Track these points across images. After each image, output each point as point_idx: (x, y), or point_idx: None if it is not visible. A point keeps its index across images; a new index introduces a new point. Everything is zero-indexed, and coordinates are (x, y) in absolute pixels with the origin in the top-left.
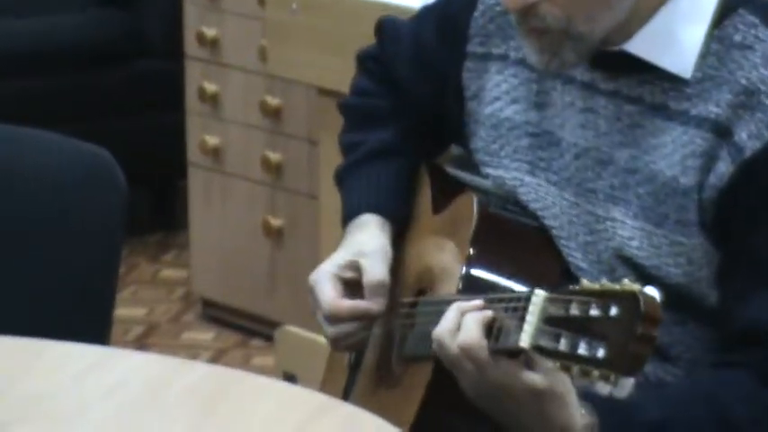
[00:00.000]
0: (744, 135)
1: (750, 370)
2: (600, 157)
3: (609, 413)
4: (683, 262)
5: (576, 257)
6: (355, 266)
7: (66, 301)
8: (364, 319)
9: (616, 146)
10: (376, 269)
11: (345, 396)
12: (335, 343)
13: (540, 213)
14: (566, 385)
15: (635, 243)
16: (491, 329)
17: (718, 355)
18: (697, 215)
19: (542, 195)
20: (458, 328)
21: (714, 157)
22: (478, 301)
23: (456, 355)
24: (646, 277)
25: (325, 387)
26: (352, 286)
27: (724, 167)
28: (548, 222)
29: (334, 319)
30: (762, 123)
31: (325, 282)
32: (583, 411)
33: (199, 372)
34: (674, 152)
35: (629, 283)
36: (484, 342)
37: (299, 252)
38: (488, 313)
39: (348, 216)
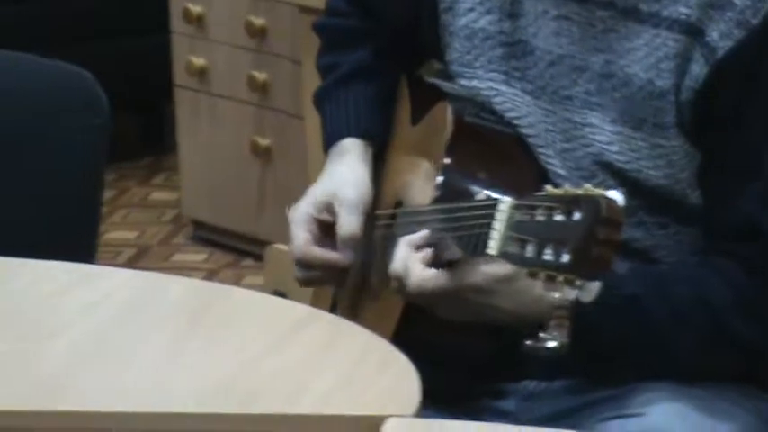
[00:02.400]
0: (715, 35)
1: (740, 260)
2: (574, 63)
3: None
4: (662, 164)
5: (554, 165)
6: (331, 208)
7: (50, 224)
8: (332, 269)
9: (590, 51)
10: (349, 220)
11: (332, 310)
12: (304, 284)
13: (516, 122)
14: None
15: (614, 148)
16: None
17: (705, 249)
18: (675, 117)
19: (518, 105)
20: (406, 268)
21: (688, 58)
22: (422, 233)
23: (414, 295)
24: (627, 182)
25: (314, 303)
26: (328, 227)
27: (698, 68)
28: (524, 131)
29: (303, 264)
30: (732, 22)
31: (299, 225)
32: None
33: (183, 286)
34: (648, 55)
35: (591, 188)
36: (429, 272)
37: (288, 171)
38: (426, 252)
39: (329, 142)
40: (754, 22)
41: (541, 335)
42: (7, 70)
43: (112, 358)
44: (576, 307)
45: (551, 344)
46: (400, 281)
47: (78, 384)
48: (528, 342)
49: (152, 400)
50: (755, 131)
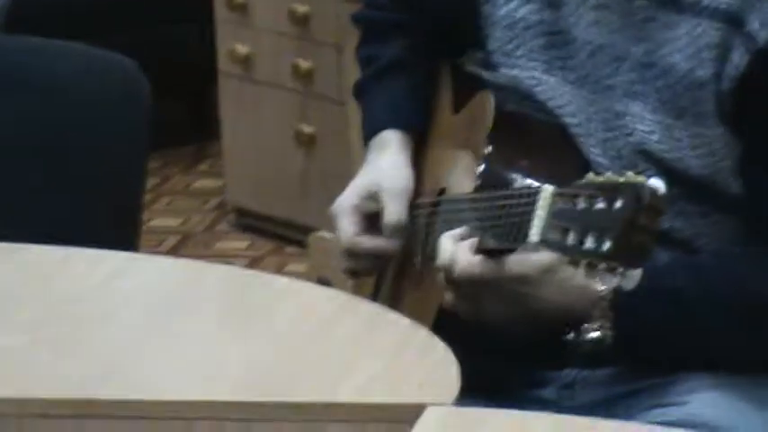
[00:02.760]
0: (756, 24)
1: None
2: (615, 53)
3: None
4: (704, 153)
5: (595, 154)
6: (375, 198)
7: (93, 211)
8: (380, 257)
9: (631, 41)
10: (395, 208)
11: (374, 297)
12: (351, 275)
13: (558, 111)
14: None
15: (655, 137)
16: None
17: (746, 239)
18: (715, 106)
19: (559, 94)
20: (453, 256)
21: (728, 47)
22: (463, 228)
23: (462, 281)
24: (668, 170)
25: (356, 291)
26: (373, 218)
27: (738, 58)
28: (566, 120)
29: (351, 254)
30: None
31: (344, 215)
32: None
33: (224, 274)
34: (688, 45)
35: (633, 176)
36: (475, 259)
37: (331, 158)
38: (472, 241)
39: (369, 133)
40: None
41: (585, 326)
42: (52, 58)
43: (156, 346)
44: (619, 298)
45: (595, 335)
46: (447, 271)
47: (122, 372)
48: (572, 334)
49: (194, 388)
50: None
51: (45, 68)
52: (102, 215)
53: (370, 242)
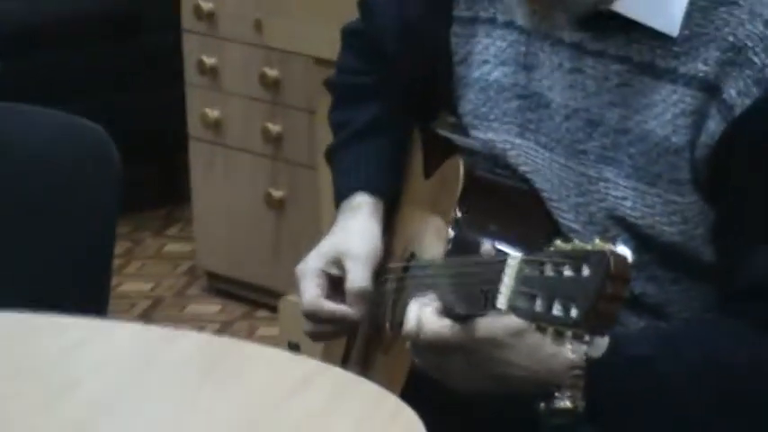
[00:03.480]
0: (733, 92)
1: (753, 319)
2: (590, 117)
3: None
4: (677, 220)
5: (567, 219)
6: (340, 264)
7: (62, 277)
8: (343, 323)
9: (606, 106)
10: (359, 275)
11: (344, 363)
12: (314, 338)
13: (530, 176)
14: None
15: (628, 203)
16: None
17: (718, 308)
18: (690, 173)
19: (532, 158)
20: (420, 321)
21: (704, 115)
22: (432, 295)
23: (430, 344)
24: (640, 236)
25: (325, 355)
26: (338, 282)
27: (714, 125)
28: (538, 185)
29: (313, 318)
30: (750, 80)
31: (309, 278)
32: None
33: (194, 340)
34: (664, 111)
35: (600, 243)
36: (443, 322)
37: (302, 222)
38: (438, 304)
39: (340, 196)
40: None
41: (557, 395)
42: (20, 123)
43: (126, 413)
44: (590, 366)
45: (566, 404)
46: (415, 336)
47: None
48: (542, 403)
49: None
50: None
51: (11, 133)
52: (71, 280)
53: (331, 307)
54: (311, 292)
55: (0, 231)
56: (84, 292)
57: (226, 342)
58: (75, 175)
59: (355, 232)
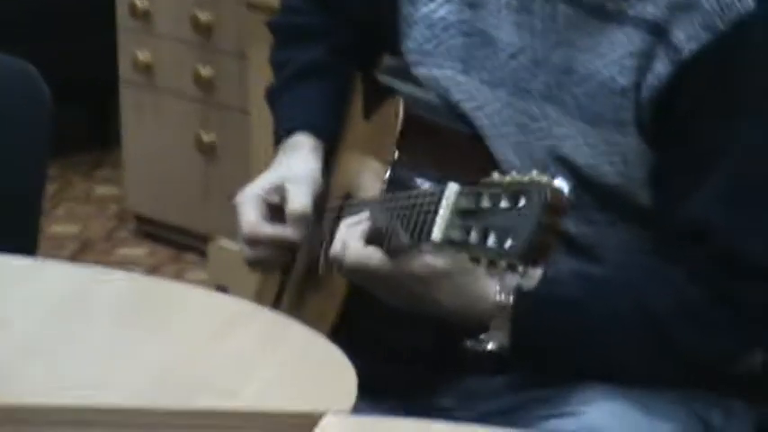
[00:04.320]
0: (681, 35)
1: (682, 266)
2: (535, 57)
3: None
4: (618, 162)
5: (508, 158)
6: (281, 191)
7: None
8: (283, 245)
9: (552, 46)
10: (299, 197)
11: (276, 305)
12: (253, 265)
13: (472, 114)
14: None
15: (570, 142)
16: (383, 234)
17: (651, 252)
18: (634, 115)
19: (475, 94)
20: (344, 244)
21: (651, 57)
22: (363, 214)
23: (350, 270)
24: (580, 177)
25: (258, 297)
26: (277, 210)
27: (661, 67)
28: (480, 122)
29: (252, 242)
30: (698, 24)
31: (248, 204)
32: (497, 287)
33: (123, 280)
34: (610, 52)
35: (537, 175)
36: (368, 250)
37: (232, 167)
38: (365, 225)
39: (281, 136)
40: (722, 27)
41: (482, 336)
42: None
43: (54, 351)
44: (517, 307)
45: (491, 345)
46: (339, 260)
47: (20, 377)
48: (468, 342)
49: (92, 393)
50: (711, 136)
51: None
52: (1, 220)
53: (272, 229)
54: (251, 215)
55: None
56: (14, 232)
57: (155, 282)
58: (6, 111)
59: (296, 164)
